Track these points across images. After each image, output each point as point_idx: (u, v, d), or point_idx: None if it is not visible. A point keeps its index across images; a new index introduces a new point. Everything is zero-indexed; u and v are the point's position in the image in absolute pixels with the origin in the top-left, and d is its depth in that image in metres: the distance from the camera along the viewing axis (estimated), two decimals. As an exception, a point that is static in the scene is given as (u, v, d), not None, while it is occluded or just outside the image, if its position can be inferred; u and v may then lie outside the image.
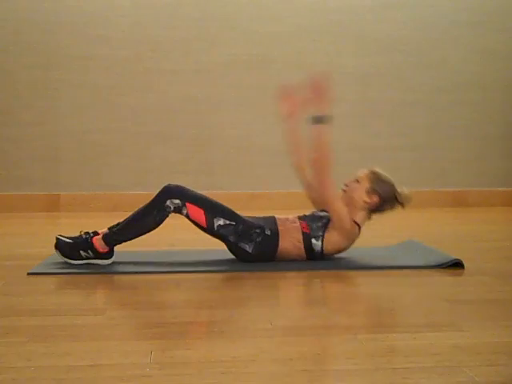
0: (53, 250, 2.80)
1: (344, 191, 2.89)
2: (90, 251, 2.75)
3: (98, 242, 2.75)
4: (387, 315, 2.07)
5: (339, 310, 2.13)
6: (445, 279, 2.59)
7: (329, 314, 2.09)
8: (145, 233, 2.77)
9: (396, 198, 2.89)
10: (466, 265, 2.75)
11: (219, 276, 2.65)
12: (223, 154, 4.96)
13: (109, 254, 2.78)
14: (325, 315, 2.07)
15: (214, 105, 4.92)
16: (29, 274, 2.61)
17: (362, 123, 5.07)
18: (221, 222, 2.76)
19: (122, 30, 4.83)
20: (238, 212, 2.83)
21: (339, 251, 2.86)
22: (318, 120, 2.75)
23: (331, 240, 2.80)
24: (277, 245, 2.79)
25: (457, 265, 2.75)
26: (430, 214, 4.68)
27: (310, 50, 4.99)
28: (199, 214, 2.75)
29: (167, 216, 2.75)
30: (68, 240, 2.78)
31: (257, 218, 2.89)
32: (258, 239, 2.77)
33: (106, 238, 2.75)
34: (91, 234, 2.78)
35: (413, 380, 1.52)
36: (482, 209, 5.02)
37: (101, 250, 2.76)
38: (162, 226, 2.78)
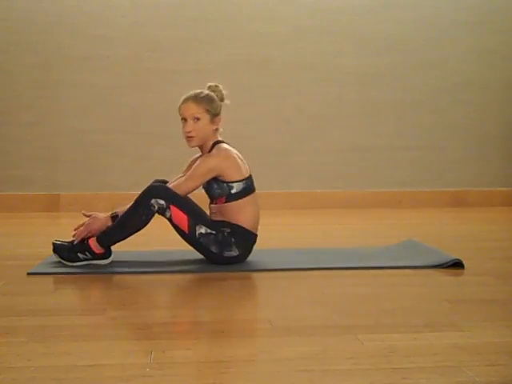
0: (52, 251, 2.80)
1: (191, 137, 2.82)
2: (87, 253, 2.75)
3: (93, 244, 2.76)
4: (387, 315, 2.07)
5: (339, 310, 2.13)
6: (445, 279, 2.59)
7: (329, 314, 2.09)
8: (134, 232, 2.76)
9: (221, 101, 2.90)
10: (465, 265, 2.75)
11: (219, 276, 2.65)
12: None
13: (106, 254, 2.78)
14: (325, 315, 2.07)
15: (213, 105, 4.92)
16: (29, 274, 2.61)
17: (362, 123, 5.07)
18: (202, 230, 2.74)
19: (122, 29, 4.83)
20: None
21: (238, 164, 2.81)
22: (115, 219, 2.78)
23: (227, 176, 2.77)
24: (242, 227, 2.78)
25: (457, 265, 2.75)
26: (430, 214, 4.68)
27: (310, 50, 4.99)
28: (182, 219, 2.72)
29: (153, 215, 2.73)
30: (65, 243, 2.78)
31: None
32: (233, 240, 2.77)
33: (98, 239, 2.76)
34: (86, 238, 2.79)
35: (413, 380, 1.52)
36: (482, 209, 5.02)
37: (97, 251, 2.76)
38: (160, 225, 2.77)
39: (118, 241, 2.77)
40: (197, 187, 2.79)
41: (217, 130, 2.87)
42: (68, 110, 4.83)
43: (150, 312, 2.11)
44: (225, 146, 2.85)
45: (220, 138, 2.89)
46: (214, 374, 1.54)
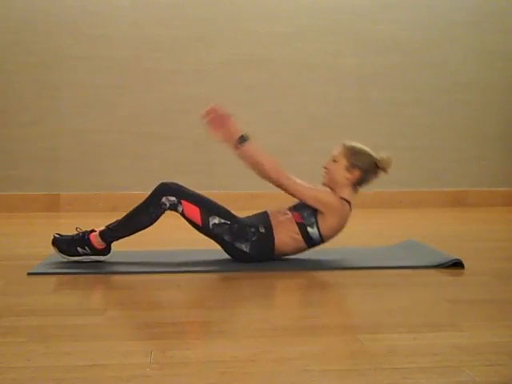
0: (53, 250, 2.80)
1: (325, 174, 2.91)
2: (87, 247, 2.75)
3: (95, 239, 2.76)
4: (387, 315, 2.07)
5: (339, 310, 2.13)
6: (445, 279, 2.59)
7: (329, 314, 2.09)
8: (140, 229, 2.77)
9: (377, 166, 2.90)
10: (465, 265, 2.75)
11: (219, 276, 2.65)
12: (223, 153, 4.96)
13: (105, 251, 2.78)
14: (325, 315, 2.07)
15: (213, 105, 4.92)
16: (29, 274, 2.61)
17: (362, 123, 5.07)
18: (216, 220, 2.76)
19: (122, 29, 4.83)
20: (237, 212, 2.84)
21: (336, 231, 2.86)
22: (242, 140, 2.83)
23: (325, 223, 2.80)
24: (273, 240, 2.79)
25: (457, 265, 2.75)
26: (430, 214, 4.68)
27: (310, 50, 4.99)
28: (194, 211, 2.74)
29: (163, 213, 2.75)
30: (65, 237, 2.79)
31: (250, 216, 2.89)
32: (253, 238, 2.77)
33: (102, 234, 2.77)
34: (88, 231, 2.80)
35: (413, 380, 1.52)
36: (482, 209, 5.02)
37: (97, 247, 2.77)
38: (161, 225, 2.78)
39: (122, 237, 2.78)
40: (304, 199, 2.79)
41: (349, 180, 2.86)
42: (68, 109, 4.83)
43: (149, 312, 2.11)
44: (350, 211, 2.87)
45: (352, 202, 2.90)
46: (214, 374, 1.54)
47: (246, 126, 4.91)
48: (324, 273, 2.68)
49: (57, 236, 2.80)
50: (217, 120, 2.84)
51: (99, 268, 2.71)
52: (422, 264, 2.79)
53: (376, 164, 2.90)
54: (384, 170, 2.93)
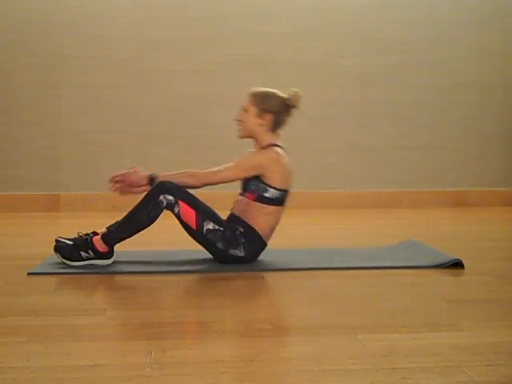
0: (53, 250, 2.79)
1: (239, 126, 2.91)
2: (90, 251, 2.75)
3: (97, 242, 2.75)
4: (387, 315, 2.07)
5: (339, 310, 2.13)
6: (445, 279, 2.59)
7: (329, 313, 2.09)
8: (141, 229, 2.76)
9: (287, 105, 2.87)
10: (465, 265, 2.75)
11: (219, 276, 2.65)
12: (223, 154, 4.96)
13: (109, 254, 2.78)
14: (325, 315, 2.07)
15: (214, 105, 4.92)
16: (29, 274, 2.61)
17: (362, 123, 5.07)
18: (210, 226, 2.75)
19: (122, 29, 4.83)
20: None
21: (287, 177, 2.83)
22: (152, 181, 2.79)
23: (272, 179, 2.78)
24: (256, 231, 2.79)
25: (457, 265, 2.75)
26: (430, 214, 4.68)
27: (310, 50, 4.99)
28: (190, 214, 2.74)
29: (161, 212, 2.74)
30: (68, 242, 2.78)
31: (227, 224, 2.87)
32: (242, 240, 2.78)
33: (104, 237, 2.76)
34: (91, 235, 2.79)
35: (413, 380, 1.52)
36: (482, 209, 5.02)
37: (101, 250, 2.76)
38: (161, 225, 2.78)
39: (124, 238, 2.77)
40: (236, 179, 2.82)
41: (263, 126, 2.85)
42: (68, 109, 4.83)
43: (149, 312, 2.11)
44: (278, 149, 2.85)
45: (279, 144, 2.88)
46: (214, 374, 1.54)
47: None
48: (324, 273, 2.68)
49: (58, 242, 2.79)
50: (123, 184, 2.84)
51: (99, 268, 2.71)
52: (422, 264, 2.79)
53: (286, 103, 2.87)
54: (294, 106, 2.88)
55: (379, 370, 1.57)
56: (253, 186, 2.81)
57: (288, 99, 2.87)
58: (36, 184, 4.82)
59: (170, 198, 2.72)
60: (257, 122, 2.86)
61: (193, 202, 2.75)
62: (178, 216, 2.75)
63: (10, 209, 4.76)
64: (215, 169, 2.84)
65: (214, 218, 2.77)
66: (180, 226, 2.80)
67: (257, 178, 2.81)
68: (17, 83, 4.78)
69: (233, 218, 2.84)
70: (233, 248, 2.77)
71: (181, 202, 2.73)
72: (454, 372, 1.57)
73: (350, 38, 5.02)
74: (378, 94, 5.07)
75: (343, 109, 5.05)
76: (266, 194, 2.80)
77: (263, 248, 2.85)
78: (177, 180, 2.78)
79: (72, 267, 2.72)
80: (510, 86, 5.19)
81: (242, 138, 2.95)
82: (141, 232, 2.77)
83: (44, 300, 2.24)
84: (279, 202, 2.83)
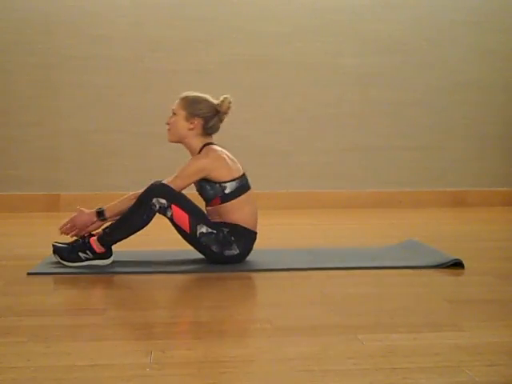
0: (51, 252, 2.80)
1: (168, 130, 2.91)
2: (88, 252, 2.75)
3: (95, 243, 2.76)
4: (387, 315, 2.07)
5: (339, 310, 2.13)
6: (445, 279, 2.59)
7: (329, 314, 2.09)
8: (134, 231, 2.76)
9: (217, 110, 2.88)
10: (465, 265, 2.75)
11: (219, 276, 2.65)
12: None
13: (107, 254, 2.78)
14: (325, 315, 2.07)
15: (213, 105, 4.92)
16: (29, 274, 2.61)
17: (362, 123, 5.07)
18: (203, 229, 2.75)
19: (122, 30, 4.83)
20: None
21: (231, 168, 2.82)
22: (101, 214, 2.85)
23: (218, 175, 2.77)
24: (240, 226, 2.78)
25: (457, 265, 2.75)
26: (430, 214, 4.68)
27: (309, 50, 4.99)
28: (184, 218, 2.73)
29: (154, 214, 2.73)
30: (65, 244, 2.79)
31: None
32: (232, 238, 2.77)
33: (100, 238, 2.76)
34: (88, 236, 2.80)
35: (413, 380, 1.52)
36: (482, 209, 5.02)
37: (98, 251, 2.76)
38: (160, 225, 2.77)
39: (119, 240, 2.77)
40: (184, 187, 2.80)
41: (192, 130, 2.85)
42: (68, 109, 4.82)
43: (149, 312, 2.11)
44: (214, 147, 2.86)
45: (211, 142, 2.89)
46: (214, 374, 1.54)
47: (246, 126, 4.94)
48: (324, 273, 2.68)
49: (56, 245, 2.79)
50: (71, 228, 2.85)
51: (99, 268, 2.71)
52: (422, 264, 2.79)
53: (216, 108, 2.88)
54: (224, 112, 2.89)
55: (379, 370, 1.58)
56: (210, 191, 2.81)
57: (218, 105, 2.88)
58: (36, 184, 4.82)
59: (163, 201, 2.71)
60: (186, 126, 2.86)
61: (186, 206, 2.74)
62: (171, 220, 2.75)
63: (9, 209, 4.75)
64: (164, 181, 2.81)
65: (207, 222, 2.77)
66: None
67: (207, 182, 2.80)
68: (17, 83, 4.78)
69: (215, 223, 2.81)
70: (227, 249, 2.77)
71: (174, 206, 2.72)
72: (454, 372, 1.57)
73: (350, 38, 5.02)
74: (378, 94, 5.07)
75: (343, 109, 5.05)
76: (227, 191, 2.79)
77: (254, 238, 2.85)
78: (124, 206, 2.79)
79: (72, 267, 2.72)
80: (510, 86, 5.18)
81: (172, 141, 2.94)
82: (136, 233, 2.77)
83: (44, 300, 2.24)
84: (242, 189, 2.82)
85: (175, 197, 2.73)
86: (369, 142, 5.09)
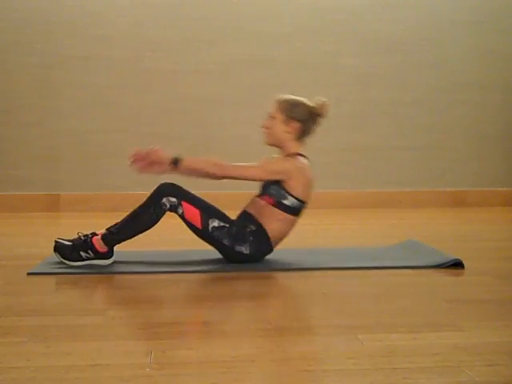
0: (53, 250, 2.79)
1: (265, 133, 2.91)
2: (90, 251, 2.75)
3: (97, 242, 2.75)
4: (387, 315, 2.07)
5: (339, 310, 2.13)
6: (445, 279, 2.59)
7: (329, 314, 2.09)
8: (142, 231, 2.76)
9: (314, 113, 2.88)
10: (465, 265, 2.75)
11: (219, 276, 2.65)
12: (223, 153, 4.95)
13: (108, 254, 2.78)
14: (325, 315, 2.07)
15: (214, 105, 4.92)
16: (29, 274, 2.61)
17: (362, 123, 5.07)
18: (215, 223, 2.75)
19: (122, 30, 4.83)
20: (236, 212, 2.83)
21: (309, 187, 2.83)
22: (175, 161, 2.78)
23: (294, 187, 2.78)
24: (266, 233, 2.79)
25: (457, 265, 2.75)
26: (430, 214, 4.68)
27: (310, 49, 4.99)
28: (194, 214, 2.73)
29: (163, 214, 2.74)
30: (67, 242, 2.78)
31: (236, 220, 2.86)
32: (250, 238, 2.77)
33: (104, 237, 2.76)
34: (90, 235, 2.79)
35: (413, 380, 1.52)
36: (482, 209, 5.02)
37: (100, 250, 2.75)
38: (161, 226, 2.77)
39: (124, 240, 2.76)
40: (258, 179, 2.81)
41: (290, 133, 2.85)
42: (68, 109, 4.82)
43: (150, 312, 2.11)
44: (306, 162, 2.86)
45: (304, 154, 2.88)
46: (214, 374, 1.54)
47: (247, 126, 4.94)
48: (324, 273, 2.68)
49: (58, 243, 2.79)
50: (144, 161, 2.84)
51: (99, 268, 2.71)
52: (422, 264, 2.79)
53: (313, 112, 2.88)
54: (321, 115, 2.91)
55: (379, 370, 1.58)
56: (273, 190, 2.81)
57: (315, 108, 2.88)
58: (36, 184, 4.82)
59: (173, 199, 2.72)
60: (284, 130, 2.85)
61: (196, 202, 2.75)
62: (182, 217, 2.75)
63: (10, 209, 4.75)
64: (239, 164, 2.81)
65: (219, 216, 2.77)
66: (181, 226, 2.80)
67: (278, 183, 2.80)
68: (17, 83, 4.78)
69: (246, 215, 2.83)
70: (238, 245, 2.76)
71: (184, 203, 2.73)
72: (453, 372, 1.57)
73: (350, 38, 5.02)
74: (378, 94, 5.07)
75: (343, 109, 5.05)
76: (285, 201, 2.79)
77: (269, 252, 2.84)
78: (200, 166, 2.76)
79: (72, 267, 2.72)
80: (510, 86, 5.18)
81: (269, 145, 2.93)
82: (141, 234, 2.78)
83: (44, 300, 2.23)
84: (296, 211, 2.83)
85: (185, 194, 2.74)
86: (369, 142, 5.09)
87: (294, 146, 2.87)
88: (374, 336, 1.84)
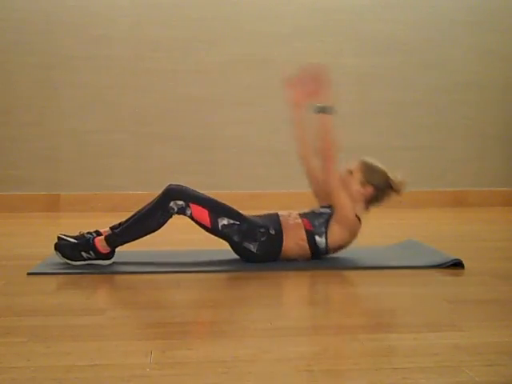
0: (53, 250, 2.79)
1: (335, 180, 2.88)
2: (91, 252, 2.74)
3: (99, 243, 2.74)
4: (387, 315, 2.07)
5: (339, 310, 2.13)
6: (445, 279, 2.59)
7: (329, 314, 2.09)
8: (147, 234, 2.76)
9: (391, 187, 2.89)
10: (465, 265, 2.75)
11: (219, 276, 2.65)
12: (223, 153, 4.96)
13: (110, 255, 2.78)
14: (325, 315, 2.07)
15: (214, 105, 4.92)
16: (29, 274, 2.61)
17: (362, 123, 5.07)
18: (225, 221, 2.75)
19: (122, 29, 4.83)
20: (240, 212, 2.84)
21: (343, 246, 2.86)
22: (322, 110, 2.79)
23: (334, 235, 2.80)
24: (281, 243, 2.78)
25: (457, 265, 2.75)
26: (430, 214, 4.68)
27: (310, 49, 4.98)
28: (203, 214, 2.73)
29: (170, 217, 2.74)
30: (71, 240, 2.78)
31: (260, 216, 2.88)
32: (262, 239, 2.77)
33: (108, 239, 2.75)
34: (94, 235, 2.79)
35: (413, 380, 1.52)
36: (482, 209, 5.02)
37: (102, 251, 2.75)
38: (164, 226, 2.77)
39: (128, 241, 2.76)
40: (331, 187, 2.79)
41: (362, 195, 2.85)
42: (68, 109, 4.83)
43: (150, 312, 2.11)
44: (360, 227, 2.85)
45: (362, 219, 2.87)
46: (214, 374, 1.54)
47: (246, 126, 4.94)
48: (324, 273, 2.68)
49: (60, 240, 2.79)
50: (301, 91, 2.82)
51: (99, 268, 2.71)
52: (422, 264, 2.78)
53: (390, 184, 2.89)
54: (397, 191, 2.92)
55: (379, 370, 1.57)
56: (317, 222, 2.81)
57: (393, 181, 2.89)
58: (36, 184, 4.82)
59: (181, 203, 2.71)
60: (358, 190, 2.86)
61: (203, 202, 2.75)
62: (191, 218, 2.75)
63: (10, 209, 4.75)
64: (337, 181, 2.80)
65: (228, 213, 2.77)
66: (183, 226, 2.80)
67: (327, 221, 2.80)
68: (17, 83, 4.78)
69: (274, 218, 2.83)
70: (247, 242, 2.76)
71: (192, 205, 2.72)
72: (453, 372, 1.57)
73: (350, 38, 5.02)
74: (378, 94, 5.07)
75: (343, 109, 5.03)
76: (317, 238, 2.79)
77: (274, 259, 2.82)
78: (329, 140, 2.78)
79: (72, 267, 2.72)
80: (510, 86, 5.18)
81: (330, 191, 2.87)
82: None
83: (44, 300, 2.23)
84: (316, 250, 2.82)
85: (191, 195, 2.74)
86: (368, 142, 5.09)
87: (360, 209, 2.87)
88: (373, 336, 1.84)
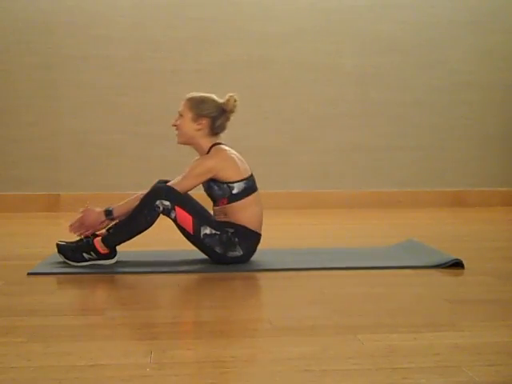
0: (53, 250, 2.80)
1: (177, 132, 2.90)
2: (92, 253, 2.75)
3: (98, 244, 2.76)
4: (387, 315, 2.07)
5: (339, 310, 2.13)
6: (445, 279, 2.59)
7: (329, 314, 2.09)
8: (138, 233, 2.76)
9: (223, 109, 2.88)
10: (466, 265, 2.75)
11: (219, 276, 2.65)
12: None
13: (111, 255, 2.78)
14: (325, 315, 2.07)
15: (213, 105, 4.92)
16: (29, 274, 2.62)
17: (362, 123, 5.07)
18: (207, 230, 2.75)
19: (122, 29, 4.83)
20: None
21: (236, 164, 2.81)
22: (109, 213, 2.81)
23: (226, 176, 2.77)
24: (245, 227, 2.78)
25: (457, 265, 2.75)
26: (430, 214, 4.68)
27: (310, 49, 4.99)
28: (187, 219, 2.73)
29: (158, 216, 2.73)
30: (69, 243, 2.78)
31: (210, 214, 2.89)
32: (236, 240, 2.77)
33: (104, 239, 2.76)
34: (91, 237, 2.80)
35: (413, 380, 1.52)
36: (482, 209, 5.02)
37: (102, 251, 2.76)
38: (161, 226, 2.77)
39: (123, 241, 2.77)
40: (192, 187, 2.79)
41: (200, 130, 2.85)
42: (68, 110, 4.83)
43: (150, 312, 2.11)
44: (222, 146, 2.86)
45: (219, 142, 2.89)
46: (214, 374, 1.54)
47: (246, 126, 4.94)
48: (324, 273, 2.68)
49: (60, 244, 2.79)
50: (80, 226, 2.83)
51: (99, 268, 2.72)
52: (422, 264, 2.79)
53: (222, 107, 2.87)
54: (231, 110, 2.89)
55: (379, 370, 1.57)
56: (218, 191, 2.80)
57: (224, 103, 2.87)
58: (36, 184, 4.82)
59: (167, 203, 2.71)
60: (193, 127, 2.85)
61: (189, 208, 2.74)
62: (174, 221, 2.75)
63: (10, 209, 4.76)
64: (170, 182, 2.80)
65: (211, 223, 2.77)
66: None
67: (215, 183, 2.80)
68: (17, 83, 4.78)
69: (219, 223, 2.81)
70: (231, 250, 2.77)
71: (177, 208, 2.72)
72: (453, 372, 1.57)
73: (350, 38, 5.02)
74: (378, 94, 5.07)
75: (343, 109, 5.05)
76: (234, 191, 2.79)
77: (258, 240, 2.85)
78: (132, 206, 2.77)
79: (72, 267, 2.72)
80: (510, 86, 5.19)
81: (181, 143, 2.93)
82: (140, 234, 2.78)
83: (44, 300, 2.24)
84: (249, 190, 2.82)
85: (179, 199, 2.73)
86: (369, 142, 5.09)
87: (206, 142, 2.87)
88: (374, 336, 1.84)
